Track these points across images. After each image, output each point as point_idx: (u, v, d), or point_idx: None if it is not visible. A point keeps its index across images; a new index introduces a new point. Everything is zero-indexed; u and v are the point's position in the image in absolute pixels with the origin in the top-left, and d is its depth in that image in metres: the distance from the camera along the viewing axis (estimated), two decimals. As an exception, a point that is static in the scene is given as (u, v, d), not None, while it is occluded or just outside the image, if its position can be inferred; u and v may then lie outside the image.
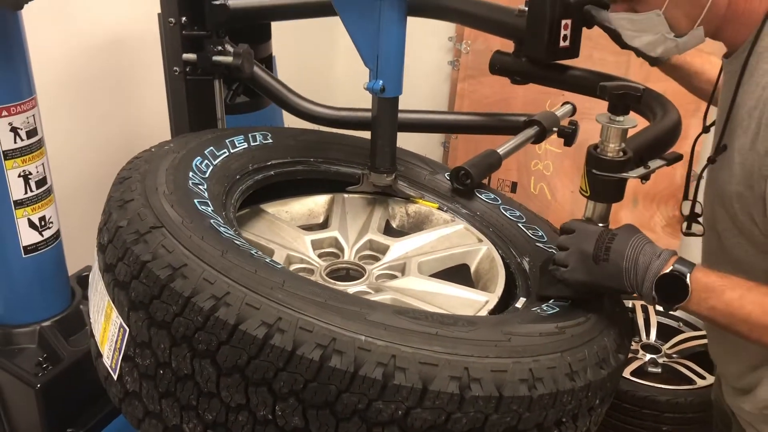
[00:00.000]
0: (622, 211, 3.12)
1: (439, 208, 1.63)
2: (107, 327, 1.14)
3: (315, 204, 1.65)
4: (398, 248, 1.51)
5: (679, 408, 2.31)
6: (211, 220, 1.17)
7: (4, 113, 1.46)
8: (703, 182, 1.38)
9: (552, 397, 1.03)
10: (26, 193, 1.54)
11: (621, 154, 1.26)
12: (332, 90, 3.40)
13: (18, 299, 1.63)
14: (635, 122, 1.27)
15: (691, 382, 2.47)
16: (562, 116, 1.89)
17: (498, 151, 1.71)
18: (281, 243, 1.45)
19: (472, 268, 1.50)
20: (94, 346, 1.21)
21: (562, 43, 1.67)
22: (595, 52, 2.48)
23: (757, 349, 1.24)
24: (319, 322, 0.96)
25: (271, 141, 1.58)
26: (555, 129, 1.85)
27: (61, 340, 1.64)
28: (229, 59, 1.66)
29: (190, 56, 1.68)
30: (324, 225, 1.62)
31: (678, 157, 1.34)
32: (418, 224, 1.65)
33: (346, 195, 1.65)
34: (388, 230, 1.63)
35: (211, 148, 1.44)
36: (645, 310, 2.75)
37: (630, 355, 2.06)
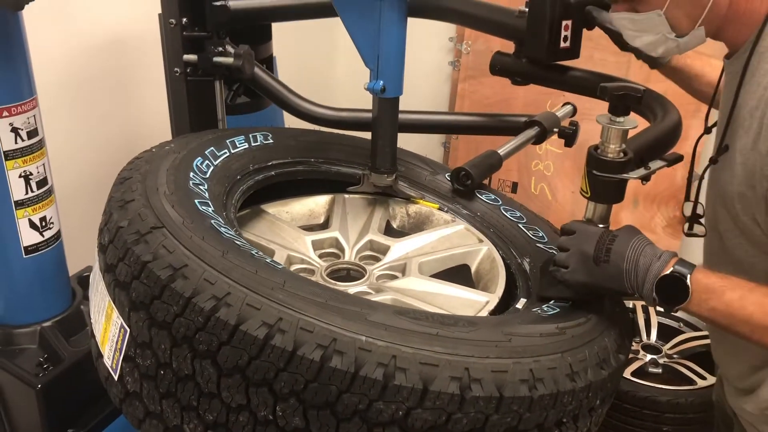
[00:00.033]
0: (622, 212, 3.12)
1: (440, 209, 1.63)
2: (108, 327, 1.14)
3: (316, 204, 1.65)
4: (399, 249, 1.51)
5: (680, 408, 2.31)
6: (212, 221, 1.17)
7: (5, 113, 1.46)
8: (704, 183, 1.38)
9: (553, 397, 1.03)
10: (27, 193, 1.54)
11: (621, 155, 1.26)
12: (333, 91, 3.40)
13: (19, 299, 1.63)
14: (636, 123, 1.27)
15: (692, 382, 2.47)
16: (562, 117, 1.89)
17: (498, 151, 1.71)
18: (282, 243, 1.45)
19: (473, 269, 1.50)
20: (95, 346, 1.22)
21: (562, 44, 1.67)
22: (596, 53, 2.48)
23: (760, 349, 1.24)
24: (319, 322, 0.96)
25: (271, 141, 1.58)
26: (556, 130, 1.85)
27: (61, 341, 1.65)
28: (229, 60, 1.66)
29: (191, 57, 1.68)
30: (324, 225, 1.62)
31: (678, 158, 1.34)
32: (418, 225, 1.65)
33: (346, 195, 1.65)
34: (389, 231, 1.63)
35: (212, 148, 1.44)
36: (645, 310, 2.76)
37: (630, 355, 2.07)
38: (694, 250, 1.49)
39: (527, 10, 1.68)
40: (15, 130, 1.48)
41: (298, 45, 2.81)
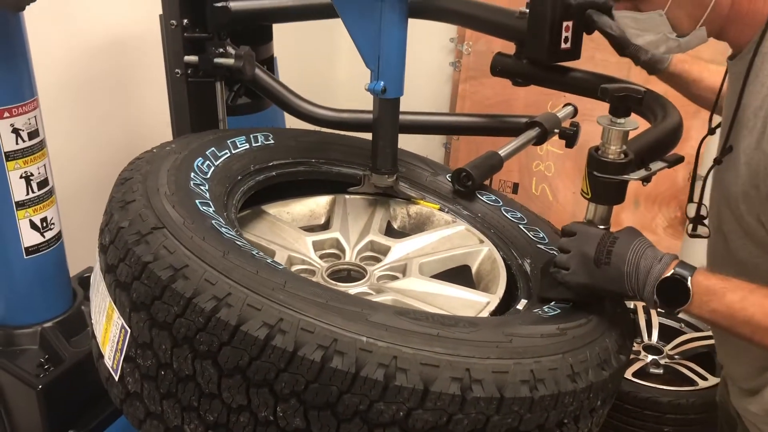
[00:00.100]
0: (623, 213, 3.12)
1: (441, 210, 1.63)
2: (109, 328, 1.14)
3: (316, 205, 1.65)
4: (399, 249, 1.51)
5: (681, 409, 2.31)
6: (213, 221, 1.17)
7: (6, 114, 1.46)
8: (708, 184, 1.38)
9: (553, 398, 1.03)
10: (28, 194, 1.54)
11: (622, 156, 1.26)
12: (333, 92, 3.40)
13: (19, 300, 1.63)
14: (636, 124, 1.27)
15: (693, 383, 2.46)
16: (563, 118, 1.89)
17: (499, 152, 1.71)
18: (282, 244, 1.45)
19: (474, 270, 1.50)
20: (96, 347, 1.22)
21: (563, 45, 1.67)
22: (597, 54, 2.47)
23: (765, 351, 1.23)
24: (320, 323, 0.96)
25: (272, 142, 1.58)
26: (556, 130, 1.85)
27: (62, 341, 1.65)
28: (230, 61, 1.66)
29: (192, 58, 1.68)
30: (325, 226, 1.62)
31: (679, 159, 1.34)
32: (419, 225, 1.65)
33: (347, 196, 1.65)
34: (390, 231, 1.63)
35: (213, 148, 1.44)
36: (647, 311, 2.75)
37: (632, 356, 2.07)
38: (696, 250, 1.50)
39: (528, 11, 1.67)
40: (16, 131, 1.48)
41: (299, 46, 2.82)
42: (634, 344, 2.55)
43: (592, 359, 1.10)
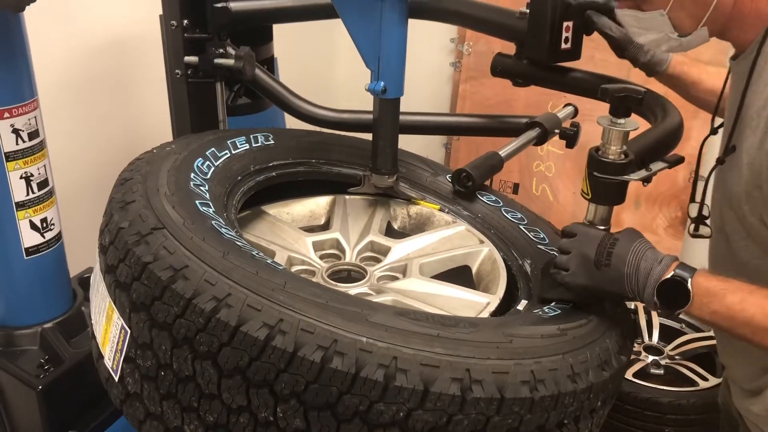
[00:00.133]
0: (624, 213, 3.12)
1: (441, 210, 1.63)
2: (108, 328, 1.14)
3: (316, 205, 1.65)
4: (399, 250, 1.51)
5: (682, 410, 2.31)
6: (213, 222, 1.17)
7: (6, 115, 1.46)
8: (710, 184, 1.38)
9: (554, 399, 1.03)
10: (28, 194, 1.54)
11: (622, 156, 1.26)
12: (333, 92, 3.40)
13: (19, 301, 1.63)
14: (637, 125, 1.27)
15: (694, 383, 2.47)
16: (563, 118, 1.89)
17: (500, 153, 1.71)
18: (282, 244, 1.45)
19: (474, 270, 1.50)
20: (96, 347, 1.21)
21: (563, 45, 1.67)
22: (597, 54, 2.47)
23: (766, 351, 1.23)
24: (320, 323, 0.96)
25: (272, 142, 1.58)
26: (557, 131, 1.85)
27: (62, 342, 1.65)
28: (230, 62, 1.66)
29: (192, 59, 1.68)
30: (325, 226, 1.62)
31: (680, 160, 1.34)
32: (419, 226, 1.65)
33: (347, 196, 1.65)
34: (390, 232, 1.63)
35: (213, 149, 1.44)
36: (647, 311, 2.76)
37: (632, 356, 2.06)
38: (696, 250, 1.50)
39: (528, 11, 1.67)
40: (16, 132, 1.48)
41: (299, 46, 2.81)
42: (635, 345, 2.55)
43: (592, 360, 1.10)
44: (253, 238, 1.43)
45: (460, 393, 0.96)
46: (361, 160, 1.66)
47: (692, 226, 1.41)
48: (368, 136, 1.61)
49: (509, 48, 1.81)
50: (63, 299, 1.71)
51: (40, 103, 1.55)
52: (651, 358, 2.59)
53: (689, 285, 1.11)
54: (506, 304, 1.35)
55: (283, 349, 0.94)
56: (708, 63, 1.66)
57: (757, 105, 1.20)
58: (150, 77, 2.20)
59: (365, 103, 1.59)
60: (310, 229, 1.59)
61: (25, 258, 1.58)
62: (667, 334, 2.71)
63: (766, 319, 1.10)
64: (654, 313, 2.73)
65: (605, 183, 1.26)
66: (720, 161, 1.29)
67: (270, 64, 2.08)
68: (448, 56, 3.39)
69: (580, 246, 1.21)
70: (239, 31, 1.77)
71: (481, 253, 1.51)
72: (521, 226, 1.58)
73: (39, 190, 1.56)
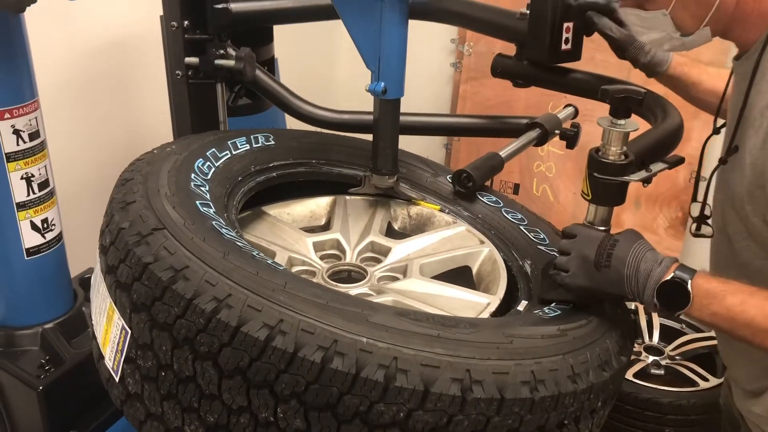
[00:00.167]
0: (624, 214, 3.12)
1: (441, 210, 1.63)
2: (109, 329, 1.14)
3: (317, 206, 1.65)
4: (400, 250, 1.51)
5: (682, 410, 2.32)
6: (213, 222, 1.17)
7: (7, 115, 1.46)
8: (712, 184, 1.38)
9: (554, 399, 1.03)
10: (29, 195, 1.54)
11: (622, 157, 1.26)
12: (334, 93, 3.40)
13: (20, 301, 1.63)
14: (637, 125, 1.27)
15: (694, 384, 2.47)
16: (564, 119, 1.89)
17: (500, 153, 1.71)
18: (283, 245, 1.45)
19: (474, 270, 1.50)
20: (96, 348, 1.22)
21: (563, 46, 1.67)
22: (598, 54, 2.48)
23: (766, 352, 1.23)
24: (320, 324, 0.96)
25: (273, 143, 1.58)
26: (557, 131, 1.85)
27: (63, 342, 1.65)
28: (231, 63, 1.66)
29: (193, 60, 1.68)
30: (326, 227, 1.62)
31: (680, 161, 1.34)
32: (420, 226, 1.65)
33: (347, 197, 1.65)
34: (390, 232, 1.63)
35: (213, 149, 1.44)
36: (648, 312, 2.75)
37: (633, 357, 2.07)
38: (697, 250, 1.50)
39: (528, 12, 1.68)
40: (17, 132, 1.48)
41: (300, 47, 2.82)
42: (635, 345, 2.56)
43: (592, 360, 1.10)
44: (253, 239, 1.43)
45: (460, 393, 0.96)
46: (361, 160, 1.66)
47: (694, 226, 1.41)
48: (369, 137, 1.61)
49: (510, 49, 1.81)
50: (64, 300, 1.71)
51: (41, 104, 1.55)
52: (651, 358, 2.59)
53: (689, 286, 1.11)
54: (506, 305, 1.35)
55: (283, 349, 0.94)
56: (708, 64, 1.66)
57: (761, 105, 1.20)
58: (150, 78, 2.20)
59: (366, 103, 1.59)
60: (311, 230, 1.59)
61: (26, 258, 1.58)
62: (668, 335, 2.71)
63: (766, 321, 1.10)
64: (654, 314, 2.73)
65: (605, 184, 1.26)
66: (722, 161, 1.29)
67: (270, 65, 2.08)
68: (449, 57, 3.39)
69: (580, 247, 1.21)
70: (240, 32, 1.78)
71: (482, 253, 1.51)
72: (521, 227, 1.58)
73: (40, 190, 1.56)
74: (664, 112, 1.59)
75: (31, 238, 1.57)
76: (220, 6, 1.66)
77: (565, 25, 1.65)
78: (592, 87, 1.65)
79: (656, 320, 2.74)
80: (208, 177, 1.35)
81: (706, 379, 2.47)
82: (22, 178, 1.52)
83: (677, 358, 2.61)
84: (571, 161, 3.22)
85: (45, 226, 1.58)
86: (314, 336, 0.95)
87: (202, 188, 1.29)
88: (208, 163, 1.39)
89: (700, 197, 1.40)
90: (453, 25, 2.03)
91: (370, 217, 1.63)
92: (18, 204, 1.53)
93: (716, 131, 1.39)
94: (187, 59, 1.68)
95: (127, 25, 2.26)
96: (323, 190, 1.65)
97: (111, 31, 2.23)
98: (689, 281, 1.11)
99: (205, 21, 1.67)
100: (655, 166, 1.30)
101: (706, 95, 1.60)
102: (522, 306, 1.34)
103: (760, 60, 1.22)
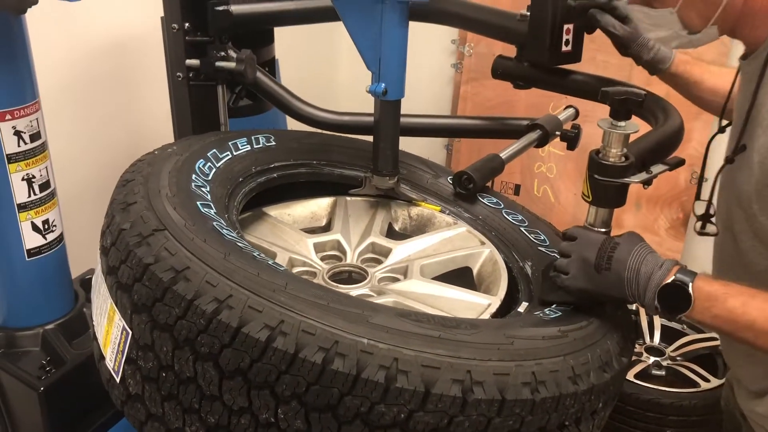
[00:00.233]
0: (625, 215, 3.12)
1: (441, 211, 1.63)
2: (110, 330, 1.15)
3: (317, 207, 1.65)
4: (401, 251, 1.51)
5: (683, 411, 2.31)
6: (214, 223, 1.17)
7: (8, 117, 1.46)
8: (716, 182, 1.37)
9: (555, 400, 1.03)
10: (30, 196, 1.54)
11: (623, 159, 1.26)
12: (335, 94, 3.40)
13: (21, 302, 1.63)
14: (637, 127, 1.27)
15: (695, 385, 2.47)
16: (564, 120, 1.89)
17: (501, 155, 1.71)
18: (284, 246, 1.45)
19: (475, 271, 1.50)
20: (97, 348, 1.22)
21: (564, 48, 1.67)
22: (599, 55, 2.48)
23: None
24: (321, 325, 0.96)
25: (274, 144, 1.58)
26: (558, 133, 1.85)
27: (64, 343, 1.65)
28: (232, 65, 1.66)
29: (193, 62, 1.68)
30: (326, 228, 1.62)
31: (680, 162, 1.34)
32: (420, 227, 1.65)
33: (348, 198, 1.65)
34: (391, 233, 1.64)
35: (214, 150, 1.44)
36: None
37: (634, 357, 2.06)
38: (698, 251, 1.50)
39: (528, 14, 1.68)
40: (18, 133, 1.48)
41: (301, 48, 2.82)
42: (636, 346, 2.56)
43: (593, 361, 1.10)
44: (254, 240, 1.43)
45: (461, 394, 0.96)
46: (362, 161, 1.66)
47: (698, 224, 1.41)
48: (369, 138, 1.61)
49: (511, 49, 1.81)
50: (64, 301, 1.71)
51: (42, 105, 1.55)
52: (652, 359, 2.59)
53: (690, 289, 1.11)
54: (507, 306, 1.35)
55: (284, 350, 0.94)
56: (709, 63, 1.66)
57: None
58: (151, 78, 2.20)
59: (366, 105, 1.59)
60: (312, 231, 1.59)
61: (27, 259, 1.58)
62: (669, 335, 2.71)
63: (768, 322, 1.10)
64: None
65: (605, 186, 1.26)
66: (729, 160, 1.29)
67: (271, 67, 2.08)
68: (450, 57, 3.40)
69: (581, 249, 1.21)
70: (240, 33, 1.78)
71: (482, 254, 1.51)
72: (522, 228, 1.58)
73: (41, 191, 1.56)
74: (664, 113, 1.59)
75: (32, 239, 1.57)
76: (221, 8, 1.66)
77: (566, 26, 1.65)
78: (593, 88, 1.65)
79: (657, 321, 2.74)
80: (209, 178, 1.35)
81: (707, 380, 2.46)
82: (23, 179, 1.52)
83: (678, 358, 2.61)
84: (572, 162, 3.22)
85: (46, 227, 1.59)
86: (315, 337, 0.95)
87: (203, 189, 1.29)
88: (209, 163, 1.39)
89: (704, 196, 1.40)
90: (453, 26, 2.03)
91: (370, 218, 1.63)
92: (19, 205, 1.53)
93: (721, 130, 1.39)
94: (188, 61, 1.68)
95: (128, 26, 2.26)
96: (324, 191, 1.66)
97: (112, 33, 2.24)
98: (690, 284, 1.11)
99: (205, 23, 1.67)
100: (656, 168, 1.30)
101: (707, 94, 1.60)
102: (523, 307, 1.34)
103: None
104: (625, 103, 1.24)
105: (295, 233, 1.52)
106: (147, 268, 1.05)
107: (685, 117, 1.59)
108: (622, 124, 1.25)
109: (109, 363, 1.15)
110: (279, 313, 0.97)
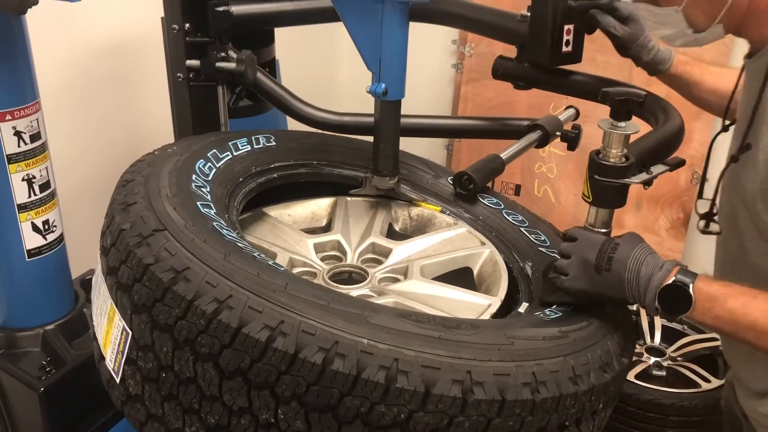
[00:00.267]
0: (625, 215, 3.12)
1: (442, 212, 1.63)
2: (110, 330, 1.15)
3: (318, 207, 1.65)
4: (401, 251, 1.51)
5: (684, 411, 2.31)
6: (214, 223, 1.17)
7: (8, 117, 1.46)
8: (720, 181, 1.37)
9: (555, 400, 1.03)
10: (30, 196, 1.54)
11: (623, 159, 1.26)
12: (335, 94, 3.40)
13: (22, 303, 1.63)
14: (638, 127, 1.27)
15: (696, 385, 2.46)
16: (565, 120, 1.89)
17: (501, 155, 1.71)
18: (284, 246, 1.45)
19: (475, 272, 1.50)
20: (97, 349, 1.22)
21: (564, 48, 1.67)
22: (599, 55, 2.48)
23: None
24: (321, 325, 0.96)
25: (274, 144, 1.58)
26: (558, 133, 1.85)
27: (64, 344, 1.65)
28: (232, 65, 1.66)
29: (194, 62, 1.68)
30: (327, 228, 1.62)
31: (680, 163, 1.33)
32: (420, 227, 1.65)
33: (348, 198, 1.65)
34: (391, 233, 1.64)
35: (214, 150, 1.44)
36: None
37: (634, 358, 2.06)
38: (698, 251, 1.50)
39: (529, 14, 1.68)
40: (18, 134, 1.48)
41: (301, 48, 2.82)
42: (637, 346, 2.56)
43: (593, 362, 1.10)
44: (254, 240, 1.43)
45: (461, 395, 0.96)
46: (362, 161, 1.66)
47: (701, 223, 1.41)
48: (369, 138, 1.61)
49: (511, 50, 1.81)
50: (65, 301, 1.71)
51: (42, 105, 1.55)
52: (653, 359, 2.59)
53: (691, 290, 1.11)
54: (507, 307, 1.35)
55: (284, 350, 0.94)
56: (709, 64, 1.66)
57: None
58: (151, 79, 2.20)
59: (367, 105, 1.59)
60: (312, 231, 1.59)
61: (27, 260, 1.58)
62: (669, 336, 2.71)
63: (770, 323, 1.09)
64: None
65: (606, 186, 1.26)
66: (734, 159, 1.28)
67: (272, 67, 2.08)
68: (450, 58, 3.40)
69: (581, 250, 1.20)
70: (241, 34, 1.78)
71: (483, 254, 1.51)
72: (522, 229, 1.58)
73: (41, 192, 1.56)
74: (665, 114, 1.58)
75: (32, 240, 1.57)
76: (221, 8, 1.66)
77: (566, 27, 1.65)
78: (593, 89, 1.65)
79: (658, 321, 2.74)
80: (209, 178, 1.35)
81: (707, 381, 2.46)
82: (23, 179, 1.52)
83: (679, 359, 2.61)
84: (573, 162, 3.22)
85: (46, 227, 1.59)
86: (315, 337, 0.95)
87: (203, 189, 1.29)
88: (209, 164, 1.39)
89: (706, 195, 1.40)
90: (454, 27, 2.03)
91: (371, 218, 1.63)
92: (19, 205, 1.53)
93: (725, 128, 1.39)
94: (189, 62, 1.68)
95: (128, 27, 2.26)
96: (324, 192, 1.65)
97: (112, 33, 2.24)
98: (691, 285, 1.11)
99: (206, 23, 1.67)
100: (656, 169, 1.30)
101: (707, 94, 1.60)
102: (523, 308, 1.34)
103: None
104: (625, 104, 1.24)
105: (296, 233, 1.52)
106: (147, 269, 1.05)
107: (686, 117, 1.59)
108: (623, 124, 1.25)
109: (109, 363, 1.15)
110: (279, 313, 0.97)
